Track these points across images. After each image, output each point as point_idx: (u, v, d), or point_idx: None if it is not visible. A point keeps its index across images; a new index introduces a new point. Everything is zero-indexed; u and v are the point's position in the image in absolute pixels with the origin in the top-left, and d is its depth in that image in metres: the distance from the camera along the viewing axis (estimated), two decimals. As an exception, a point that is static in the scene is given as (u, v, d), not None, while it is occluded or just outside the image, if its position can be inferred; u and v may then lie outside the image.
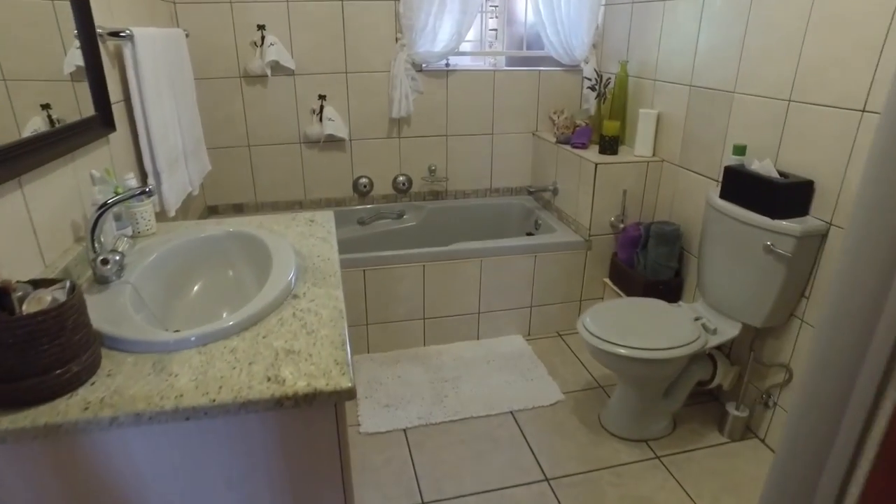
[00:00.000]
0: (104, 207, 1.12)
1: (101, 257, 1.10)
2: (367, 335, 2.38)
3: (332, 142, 2.67)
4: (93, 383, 0.85)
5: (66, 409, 0.79)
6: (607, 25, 2.71)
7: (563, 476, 1.79)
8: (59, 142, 1.21)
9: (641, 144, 2.38)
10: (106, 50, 1.54)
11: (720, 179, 2.01)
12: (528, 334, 2.57)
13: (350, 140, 2.69)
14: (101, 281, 1.13)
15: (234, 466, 0.89)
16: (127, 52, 1.57)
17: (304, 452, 0.90)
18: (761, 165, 1.70)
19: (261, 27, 2.42)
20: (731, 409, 1.92)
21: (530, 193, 2.84)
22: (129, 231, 1.35)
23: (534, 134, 2.89)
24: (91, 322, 0.92)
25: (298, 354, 0.94)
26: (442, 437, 1.95)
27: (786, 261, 1.62)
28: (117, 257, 1.14)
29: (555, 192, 2.70)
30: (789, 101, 1.69)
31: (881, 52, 1.41)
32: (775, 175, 1.67)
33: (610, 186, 2.35)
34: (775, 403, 1.84)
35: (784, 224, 1.61)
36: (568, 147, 2.57)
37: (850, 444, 0.57)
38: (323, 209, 2.78)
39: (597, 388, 2.21)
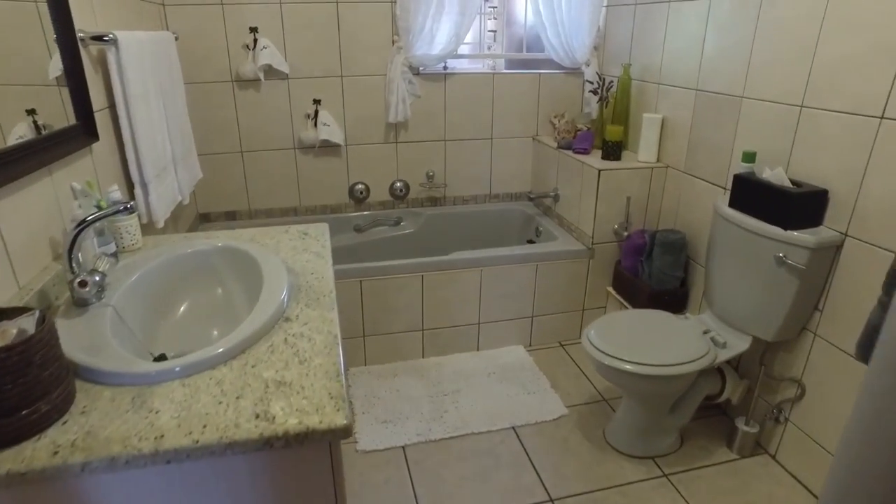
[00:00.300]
0: (82, 225, 1.05)
1: (78, 279, 1.03)
2: (365, 347, 2.31)
3: (328, 147, 2.60)
4: (64, 422, 0.78)
5: (32, 454, 0.72)
6: (609, 27, 2.64)
7: (568, 496, 1.72)
8: (35, 154, 1.14)
9: (645, 150, 2.32)
10: (88, 55, 1.47)
11: (727, 186, 1.96)
12: (530, 345, 2.50)
13: (346, 145, 2.62)
14: (80, 303, 1.05)
15: (220, 512, 0.82)
16: (111, 57, 1.50)
17: (297, 496, 0.83)
18: (773, 174, 1.64)
19: (253, 29, 2.35)
20: (741, 424, 1.86)
21: (531, 200, 2.77)
22: (112, 247, 1.27)
23: (534, 138, 2.83)
24: (64, 353, 0.85)
25: (290, 387, 0.87)
26: (442, 454, 1.88)
27: (799, 273, 1.56)
28: (97, 278, 1.06)
29: (556, 198, 2.64)
30: (801, 106, 1.63)
31: (900, 56, 1.35)
32: (788, 184, 1.61)
33: (613, 193, 2.29)
34: (786, 419, 1.78)
35: (797, 235, 1.55)
36: (569, 152, 2.51)
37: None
38: (318, 216, 2.70)
39: (601, 402, 2.15)
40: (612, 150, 2.34)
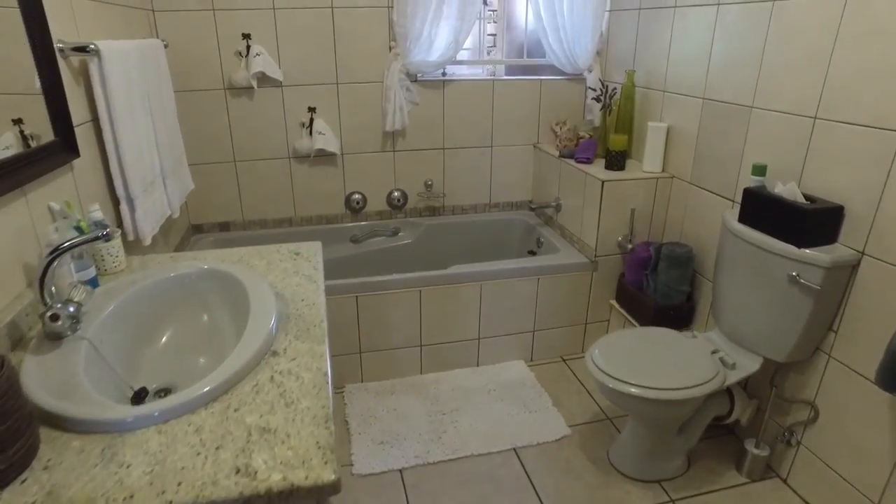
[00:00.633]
0: (55, 254, 0.98)
1: (50, 312, 0.96)
2: (361, 363, 2.25)
3: (323, 156, 2.53)
4: (24, 481, 0.72)
5: (-15, 521, 0.66)
6: (612, 32, 2.58)
7: (572, 524, 1.66)
8: (8, 174, 1.07)
9: (650, 160, 2.25)
10: (69, 66, 1.40)
11: (735, 199, 1.89)
12: (531, 359, 2.43)
13: (342, 154, 2.55)
14: (53, 337, 0.99)
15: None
16: (93, 69, 1.43)
17: (280, 560, 0.77)
18: (786, 189, 1.57)
19: (246, 36, 2.28)
20: (750, 446, 1.79)
21: (532, 210, 2.71)
22: (91, 272, 1.21)
23: (535, 146, 2.76)
24: (29, 399, 0.78)
25: (274, 434, 0.80)
26: (440, 478, 1.82)
27: (813, 293, 1.50)
28: (71, 309, 1.00)
29: (558, 208, 2.57)
30: (815, 118, 1.56)
31: (922, 68, 1.28)
32: (801, 199, 1.54)
33: (617, 204, 2.22)
34: (798, 442, 1.71)
35: (811, 254, 1.48)
36: (572, 162, 2.44)
37: None
38: (314, 226, 2.63)
39: (604, 421, 2.08)
40: (616, 160, 2.27)
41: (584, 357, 2.41)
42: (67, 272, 1.13)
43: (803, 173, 1.62)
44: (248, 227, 2.57)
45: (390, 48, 2.43)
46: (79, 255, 1.19)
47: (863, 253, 1.47)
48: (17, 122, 1.21)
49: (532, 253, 2.67)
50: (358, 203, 2.65)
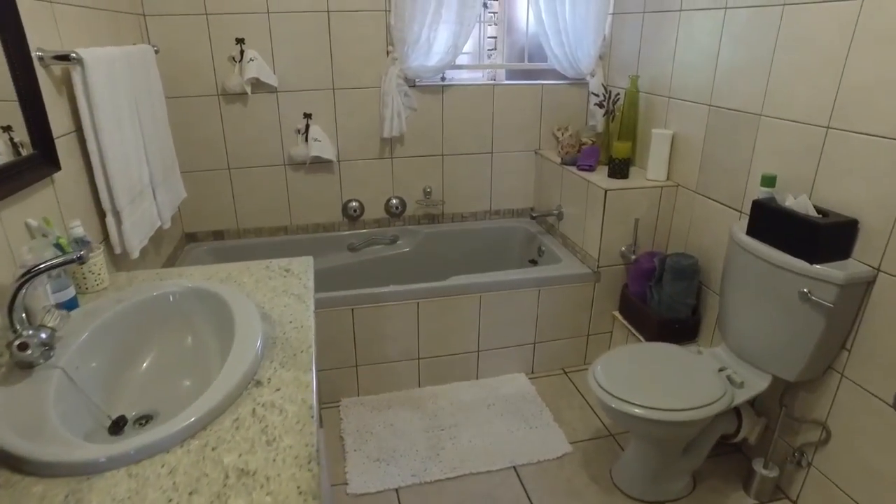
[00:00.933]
0: (26, 277, 0.93)
1: (18, 341, 0.90)
2: (357, 376, 2.19)
3: (319, 163, 2.47)
4: (-23, 535, 0.66)
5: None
6: (615, 36, 2.51)
7: (574, 548, 1.60)
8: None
9: (654, 168, 2.19)
10: (50, 76, 1.35)
11: (743, 209, 1.83)
12: (532, 372, 2.37)
13: (338, 161, 2.50)
14: (23, 366, 0.93)
15: None
16: (76, 78, 1.38)
17: None
18: (797, 202, 1.51)
19: (240, 41, 2.22)
20: (759, 467, 1.73)
21: (533, 218, 2.65)
22: (71, 291, 1.15)
23: (536, 152, 2.70)
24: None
25: (253, 477, 0.75)
26: (438, 497, 1.76)
27: (825, 311, 1.43)
28: (44, 335, 0.94)
29: (559, 216, 2.51)
30: (828, 128, 1.50)
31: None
32: (813, 212, 1.48)
33: (621, 214, 2.16)
34: (809, 463, 1.65)
35: (824, 270, 1.42)
36: (574, 169, 2.38)
37: None
38: (310, 235, 2.58)
39: (607, 437, 2.02)
40: (619, 168, 2.21)
41: (586, 369, 2.36)
42: (43, 294, 1.07)
43: (815, 185, 1.56)
44: (243, 235, 2.52)
45: (388, 53, 2.37)
46: (57, 275, 1.13)
47: (878, 269, 1.40)
48: (7, 129, 1.17)
49: (533, 262, 2.61)
50: (355, 211, 2.59)
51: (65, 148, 1.38)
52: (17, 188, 1.14)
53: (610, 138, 2.40)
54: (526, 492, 1.78)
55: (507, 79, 2.72)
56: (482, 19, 2.61)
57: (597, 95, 2.52)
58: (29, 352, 0.91)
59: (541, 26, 2.47)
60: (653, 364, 1.73)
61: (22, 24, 1.16)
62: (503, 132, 2.63)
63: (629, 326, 2.22)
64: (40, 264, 0.95)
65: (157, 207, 1.84)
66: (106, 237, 1.57)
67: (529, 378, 2.33)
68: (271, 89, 2.32)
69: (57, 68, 1.38)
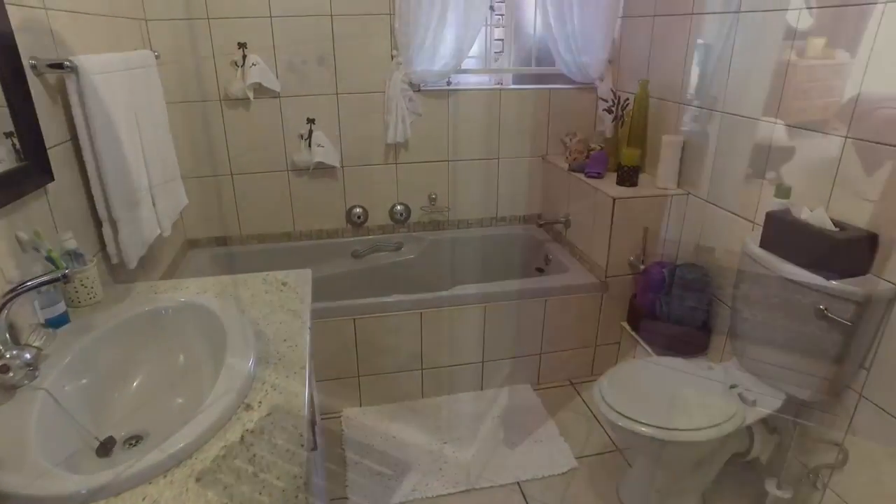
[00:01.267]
0: (9, 297, 0.90)
1: (-1, 363, 0.87)
2: (359, 387, 2.15)
3: (323, 169, 2.44)
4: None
5: None
6: (625, 40, 2.46)
7: (579, 570, 1.55)
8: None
9: (664, 175, 2.13)
10: (44, 83, 1.32)
11: (755, 220, 1.77)
12: (538, 383, 2.32)
13: (342, 167, 2.46)
14: (5, 388, 0.90)
15: None
16: (71, 87, 1.35)
17: None
18: (812, 215, 1.45)
19: (242, 45, 2.19)
20: (772, 487, 1.67)
21: (540, 226, 2.60)
22: (61, 307, 1.12)
23: (543, 158, 2.65)
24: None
25: (236, 514, 0.71)
26: (439, 514, 1.72)
27: (842, 329, 1.37)
28: (27, 356, 0.91)
29: (567, 224, 2.46)
30: (846, 137, 1.44)
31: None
32: (830, 226, 1.42)
33: (630, 223, 2.10)
34: (825, 485, 1.59)
35: (842, 286, 1.36)
36: (582, 176, 2.33)
37: None
38: (314, 241, 2.55)
39: (614, 452, 1.97)
40: (628, 176, 2.16)
41: (593, 380, 2.30)
42: (30, 311, 1.04)
43: (831, 196, 1.50)
44: (245, 241, 2.49)
45: (392, 57, 2.33)
46: (46, 290, 1.11)
47: (899, 286, 1.34)
48: (9, 135, 1.14)
49: (540, 270, 2.56)
50: (359, 217, 2.56)
51: (60, 157, 1.35)
52: (7, 200, 1.11)
53: (619, 145, 2.35)
54: (530, 509, 1.74)
55: (513, 83, 2.67)
56: (489, 22, 2.56)
57: (605, 101, 2.47)
58: (10, 374, 0.88)
59: (549, 29, 2.42)
60: (661, 380, 1.67)
61: (12, 32, 1.13)
62: (510, 137, 2.59)
63: (637, 338, 2.17)
64: (26, 282, 0.93)
65: (157, 215, 1.81)
66: (103, 247, 1.55)
67: (535, 390, 2.28)
68: (274, 94, 2.29)
69: (52, 77, 1.35)
